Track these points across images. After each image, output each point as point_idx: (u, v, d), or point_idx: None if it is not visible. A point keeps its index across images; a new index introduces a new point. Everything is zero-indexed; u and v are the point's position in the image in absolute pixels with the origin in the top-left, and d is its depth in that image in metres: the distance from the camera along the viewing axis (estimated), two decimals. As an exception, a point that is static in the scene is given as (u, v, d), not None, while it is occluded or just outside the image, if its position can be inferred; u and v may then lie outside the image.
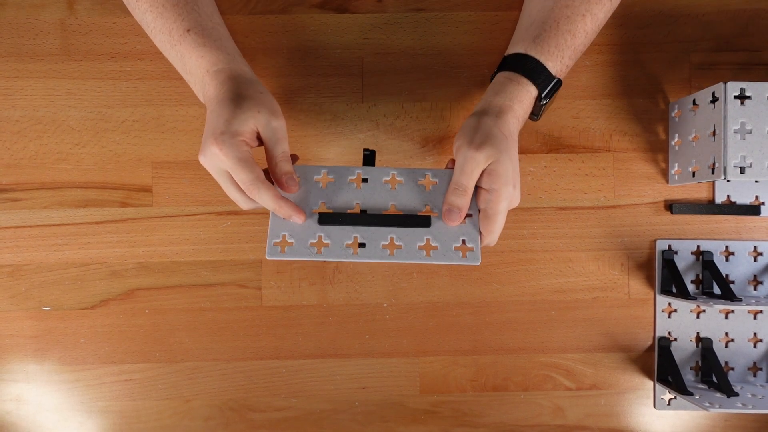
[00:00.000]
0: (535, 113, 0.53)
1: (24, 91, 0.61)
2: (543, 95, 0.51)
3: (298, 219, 0.47)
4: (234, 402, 0.62)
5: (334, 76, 0.62)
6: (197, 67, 0.50)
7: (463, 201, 0.47)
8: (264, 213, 0.62)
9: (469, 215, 0.49)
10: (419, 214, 0.49)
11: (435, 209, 0.49)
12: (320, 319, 0.62)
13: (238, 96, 0.46)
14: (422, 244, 0.48)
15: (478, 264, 0.48)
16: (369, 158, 0.52)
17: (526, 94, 0.50)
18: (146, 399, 0.62)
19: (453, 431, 0.63)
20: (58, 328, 0.62)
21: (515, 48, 0.52)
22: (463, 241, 0.48)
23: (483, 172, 0.47)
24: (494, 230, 0.48)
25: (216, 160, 0.46)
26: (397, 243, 0.48)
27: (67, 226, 0.61)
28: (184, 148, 0.62)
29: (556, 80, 0.51)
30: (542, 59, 0.50)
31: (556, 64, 0.51)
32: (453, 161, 0.50)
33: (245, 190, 0.46)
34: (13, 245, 0.61)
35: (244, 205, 0.49)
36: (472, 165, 0.47)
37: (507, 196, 0.47)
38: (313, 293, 0.62)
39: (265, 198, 0.46)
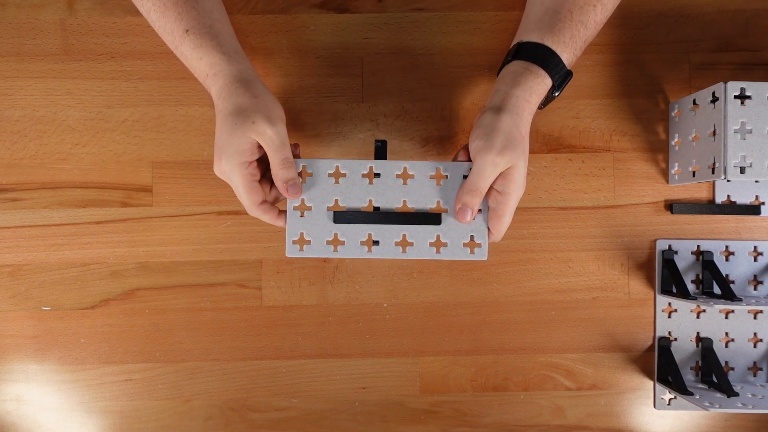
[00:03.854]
0: (543, 104, 0.53)
1: (24, 91, 0.61)
2: (556, 87, 0.51)
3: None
4: (234, 402, 0.62)
5: (334, 76, 0.62)
6: (198, 70, 0.50)
7: (478, 201, 0.48)
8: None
9: (478, 211, 0.50)
10: (430, 210, 0.50)
11: (445, 205, 0.50)
12: (320, 319, 0.62)
13: (235, 108, 0.47)
14: (432, 240, 0.50)
15: (485, 259, 0.50)
16: (381, 150, 0.52)
17: (542, 86, 0.50)
18: (146, 399, 0.62)
19: (453, 431, 0.63)
20: (58, 328, 0.62)
21: (529, 36, 0.51)
22: (472, 237, 0.50)
23: (498, 175, 0.48)
24: (502, 228, 0.49)
25: (224, 177, 0.49)
26: (409, 240, 0.49)
27: (67, 226, 0.61)
28: (184, 148, 0.62)
29: (568, 72, 0.51)
30: (558, 50, 0.49)
31: (569, 56, 0.50)
32: (464, 151, 0.50)
33: (247, 211, 0.50)
34: (13, 245, 0.61)
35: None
36: (491, 170, 0.47)
37: (518, 198, 0.48)
38: (313, 293, 0.62)
39: (264, 219, 0.50)
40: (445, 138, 0.62)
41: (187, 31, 0.49)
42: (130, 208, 0.61)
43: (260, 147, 0.48)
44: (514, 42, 0.53)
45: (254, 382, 0.62)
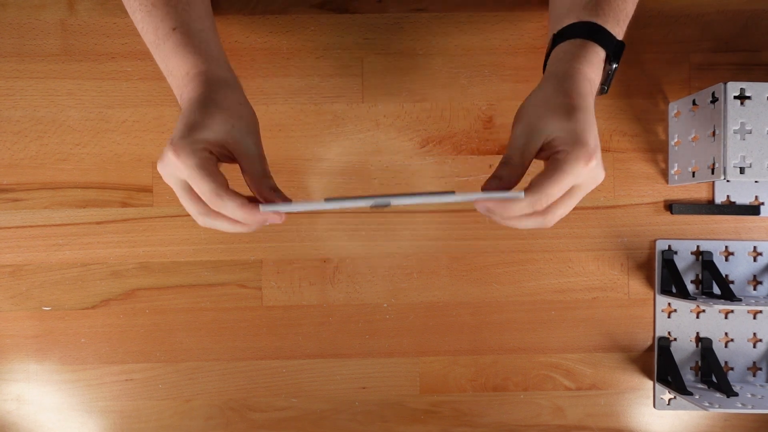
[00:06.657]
0: (605, 83, 0.49)
1: (25, 92, 0.61)
2: (612, 56, 0.47)
3: (276, 219, 0.42)
4: (234, 402, 0.62)
5: (334, 76, 0.62)
6: (177, 69, 0.46)
7: (508, 173, 0.41)
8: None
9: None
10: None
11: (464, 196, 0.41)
12: (320, 319, 0.62)
13: (211, 102, 0.42)
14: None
15: (523, 197, 0.39)
16: (383, 207, 0.42)
17: (594, 55, 0.45)
18: (146, 399, 0.62)
19: (453, 431, 0.63)
20: (59, 328, 0.62)
21: (565, 21, 0.48)
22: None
23: (551, 141, 0.41)
24: (553, 194, 0.40)
25: (172, 169, 0.40)
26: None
27: (68, 226, 0.62)
28: (184, 149, 0.62)
29: (620, 41, 0.47)
30: (600, 21, 0.46)
31: (614, 27, 0.47)
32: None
33: (207, 202, 0.40)
34: (13, 245, 0.61)
35: (200, 220, 0.42)
36: (533, 139, 0.41)
37: (582, 161, 0.39)
38: (313, 293, 0.62)
39: (230, 208, 0.40)
40: (445, 138, 0.62)
41: (174, 29, 0.47)
42: (131, 208, 0.62)
43: (225, 154, 0.43)
44: (550, 34, 0.50)
45: (254, 382, 0.62)
